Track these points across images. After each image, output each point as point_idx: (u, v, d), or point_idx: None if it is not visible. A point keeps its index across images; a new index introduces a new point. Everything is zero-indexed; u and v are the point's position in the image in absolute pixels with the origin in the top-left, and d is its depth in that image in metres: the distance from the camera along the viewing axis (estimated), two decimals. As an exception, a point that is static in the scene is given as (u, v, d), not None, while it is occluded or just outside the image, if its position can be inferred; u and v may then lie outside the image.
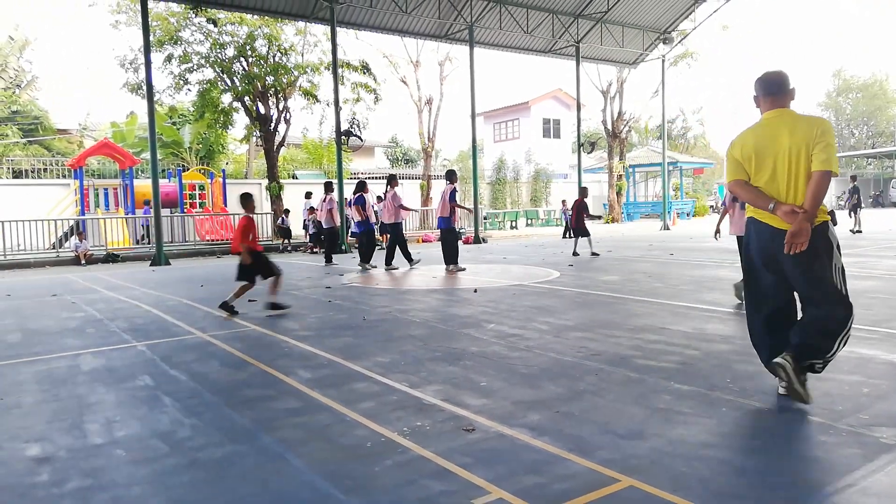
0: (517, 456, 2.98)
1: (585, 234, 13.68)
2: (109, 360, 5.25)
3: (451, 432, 3.32)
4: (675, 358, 4.67)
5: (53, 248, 18.49)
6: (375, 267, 12.43)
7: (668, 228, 24.69)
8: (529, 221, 32.69)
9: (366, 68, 23.30)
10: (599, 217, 14.33)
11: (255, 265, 7.29)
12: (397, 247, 12.30)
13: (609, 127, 32.39)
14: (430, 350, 5.22)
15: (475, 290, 8.65)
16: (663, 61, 26.94)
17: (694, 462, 2.85)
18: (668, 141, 29.58)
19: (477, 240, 21.11)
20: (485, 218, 28.33)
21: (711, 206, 41.43)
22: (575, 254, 13.72)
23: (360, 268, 12.36)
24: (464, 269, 11.26)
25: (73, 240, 18.36)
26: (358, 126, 21.82)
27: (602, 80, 31.54)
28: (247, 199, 7.64)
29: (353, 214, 13.18)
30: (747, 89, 3.63)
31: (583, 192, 14.63)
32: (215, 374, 4.70)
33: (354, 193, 12.97)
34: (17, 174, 26.11)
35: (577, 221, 13.77)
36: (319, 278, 11.19)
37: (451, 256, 11.19)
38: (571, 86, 30.37)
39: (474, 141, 22.01)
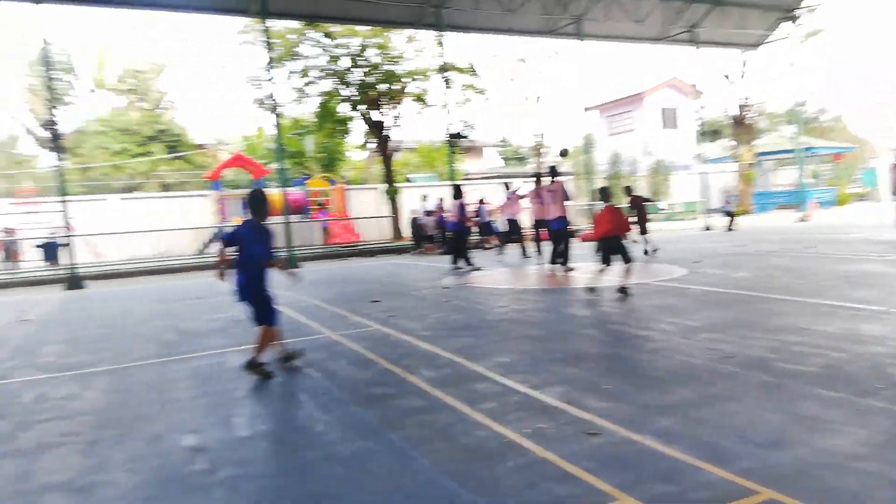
0: (646, 462, 2.90)
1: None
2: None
3: (574, 435, 3.29)
4: (818, 361, 4.33)
5: (199, 253, 20.18)
6: (462, 268, 12.45)
7: (806, 219, 22.86)
8: (649, 216, 31.51)
9: (473, 70, 23.49)
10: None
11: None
12: (564, 244, 11.35)
13: (734, 114, 30.51)
14: (550, 351, 5.18)
15: (592, 290, 8.47)
16: (789, 40, 24.95)
17: (843, 475, 2.64)
18: (800, 125, 27.33)
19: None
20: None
21: (859, 194, 37.66)
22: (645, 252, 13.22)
23: (455, 268, 12.52)
24: (572, 270, 10.99)
25: (215, 246, 19.97)
26: (467, 127, 22.04)
27: (722, 65, 29.78)
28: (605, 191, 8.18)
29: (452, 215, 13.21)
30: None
31: (627, 190, 14.51)
32: (343, 372, 4.94)
33: (455, 197, 13.02)
34: (164, 187, 28.74)
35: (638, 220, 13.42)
36: (437, 279, 11.42)
37: (563, 256, 10.97)
38: (688, 73, 28.93)
39: (586, 135, 21.53)
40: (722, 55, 29.02)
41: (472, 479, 2.86)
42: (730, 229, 19.09)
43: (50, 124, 14.93)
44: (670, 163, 36.30)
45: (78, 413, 4.26)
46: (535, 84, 32.53)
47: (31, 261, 19.45)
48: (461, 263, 12.55)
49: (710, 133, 23.30)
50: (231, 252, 4.99)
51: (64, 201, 14.91)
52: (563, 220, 11.06)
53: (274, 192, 20.53)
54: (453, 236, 13.44)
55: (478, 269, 12.51)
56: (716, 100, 34.23)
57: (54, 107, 15.10)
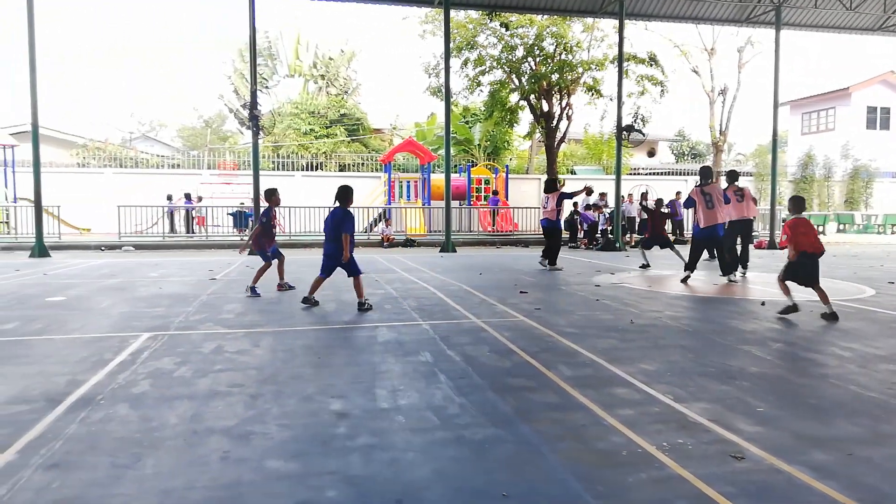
0: (793, 496, 2.64)
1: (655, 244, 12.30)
2: (400, 334, 5.95)
3: (716, 456, 3.08)
4: None
5: (365, 231, 21.50)
6: (547, 267, 11.95)
7: None
8: (842, 227, 28.21)
9: (653, 60, 22.41)
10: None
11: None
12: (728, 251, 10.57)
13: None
14: (702, 364, 4.87)
15: (763, 303, 7.79)
16: None
17: None
18: None
19: (772, 245, 18.93)
20: (783, 220, 25.22)
21: None
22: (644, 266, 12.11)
23: (543, 265, 12.10)
24: (689, 277, 9.95)
25: (381, 225, 21.15)
26: (641, 120, 21.12)
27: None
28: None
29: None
30: None
31: (658, 202, 13.24)
32: (484, 359, 5.03)
33: (546, 191, 12.38)
34: (342, 168, 30.87)
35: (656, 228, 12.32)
36: (590, 275, 11.16)
37: (729, 266, 10.09)
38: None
39: (775, 134, 19.70)
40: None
41: (599, 483, 2.79)
42: None
43: (251, 106, 16.61)
44: (875, 168, 32.11)
45: (245, 367, 4.76)
46: (720, 76, 30.35)
47: (223, 226, 21.95)
48: (545, 263, 12.10)
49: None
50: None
51: (256, 175, 16.60)
52: (718, 229, 9.91)
53: (438, 178, 21.23)
54: (545, 233, 12.53)
55: (646, 266, 12.05)
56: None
57: (256, 90, 16.77)
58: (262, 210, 9.40)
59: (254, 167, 16.73)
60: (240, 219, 21.33)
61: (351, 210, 7.40)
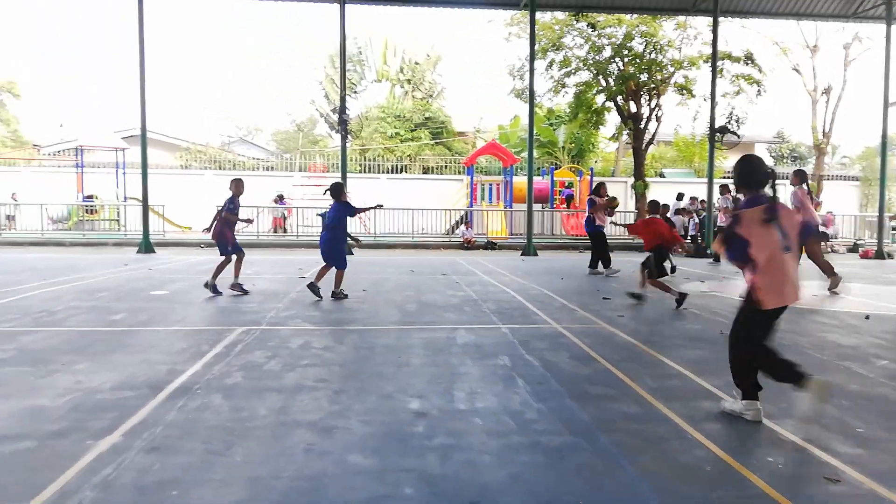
0: (895, 527, 2.47)
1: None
2: (478, 336, 5.98)
3: (808, 477, 2.92)
4: None
5: (446, 233, 21.71)
6: (606, 272, 11.54)
7: None
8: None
9: (749, 59, 21.36)
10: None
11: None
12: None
13: None
14: (797, 379, 4.61)
15: (867, 317, 7.28)
16: None
17: None
18: None
19: (880, 255, 17.63)
20: (894, 229, 23.39)
21: None
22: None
23: (602, 273, 11.69)
24: (841, 292, 9.30)
25: (462, 227, 21.29)
26: (736, 121, 20.17)
27: None
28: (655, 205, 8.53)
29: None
30: None
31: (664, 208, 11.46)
32: (563, 365, 4.97)
33: (594, 194, 12.06)
34: (425, 170, 31.31)
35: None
36: (678, 283, 10.78)
37: (828, 269, 9.45)
38: None
39: (884, 135, 18.34)
40: None
41: (679, 498, 2.71)
42: None
43: (340, 110, 17.16)
44: None
45: (330, 363, 4.93)
46: (824, 74, 28.59)
47: (312, 226, 22.76)
48: (599, 268, 11.74)
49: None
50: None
51: (343, 177, 17.13)
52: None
53: (521, 181, 21.11)
54: (591, 239, 12.26)
55: (609, 272, 11.54)
56: None
57: (345, 95, 17.31)
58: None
59: (342, 170, 17.27)
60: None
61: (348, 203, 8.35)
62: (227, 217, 8.45)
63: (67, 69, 65.67)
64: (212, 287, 8.45)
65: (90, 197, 23.50)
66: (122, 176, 24.48)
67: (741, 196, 3.88)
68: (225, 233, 8.49)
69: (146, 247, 16.44)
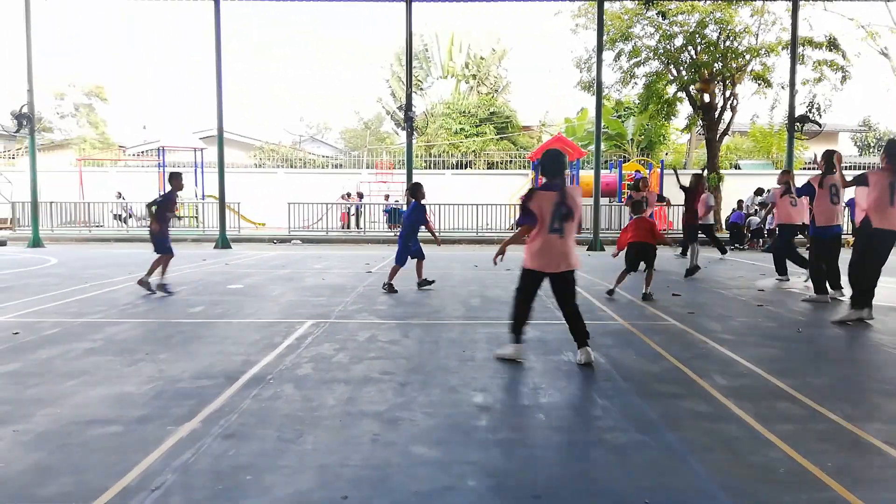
0: None
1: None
2: (543, 332, 5.95)
3: (891, 482, 2.77)
4: None
5: (512, 228, 21.61)
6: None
7: None
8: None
9: (832, 44, 20.21)
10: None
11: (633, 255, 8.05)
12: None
13: None
14: (879, 380, 4.37)
15: (963, 315, 6.79)
16: None
17: None
18: None
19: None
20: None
21: None
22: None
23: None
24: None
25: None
26: (817, 110, 19.15)
27: None
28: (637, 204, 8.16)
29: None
30: None
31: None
32: (630, 362, 4.89)
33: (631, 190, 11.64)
34: (489, 165, 31.26)
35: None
36: (753, 279, 10.37)
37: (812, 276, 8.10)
38: None
39: None
40: None
41: (750, 499, 2.64)
42: None
43: (406, 107, 17.36)
44: None
45: (396, 356, 5.03)
46: (916, 57, 26.72)
47: (378, 222, 23.18)
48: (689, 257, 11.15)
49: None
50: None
51: (409, 174, 17.33)
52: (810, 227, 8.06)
53: (587, 174, 20.77)
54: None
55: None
56: None
57: (411, 92, 17.50)
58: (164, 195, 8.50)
59: (407, 166, 17.47)
60: (394, 215, 22.38)
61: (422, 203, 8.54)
62: (159, 212, 8.18)
63: (149, 72, 69.19)
64: (158, 287, 8.07)
65: (171, 195, 24.71)
66: (200, 175, 25.60)
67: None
68: (156, 228, 8.20)
69: (223, 242, 17.15)
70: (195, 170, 25.72)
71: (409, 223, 8.50)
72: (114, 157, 33.53)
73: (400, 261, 8.52)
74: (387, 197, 24.78)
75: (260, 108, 69.72)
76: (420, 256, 8.75)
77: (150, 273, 8.20)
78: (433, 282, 8.99)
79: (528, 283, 4.87)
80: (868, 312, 6.43)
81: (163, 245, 8.24)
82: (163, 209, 8.23)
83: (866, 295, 6.40)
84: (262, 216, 25.50)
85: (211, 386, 4.18)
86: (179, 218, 22.71)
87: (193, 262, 12.62)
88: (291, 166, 30.57)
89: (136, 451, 3.10)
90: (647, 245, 7.89)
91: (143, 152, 33.20)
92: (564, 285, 4.83)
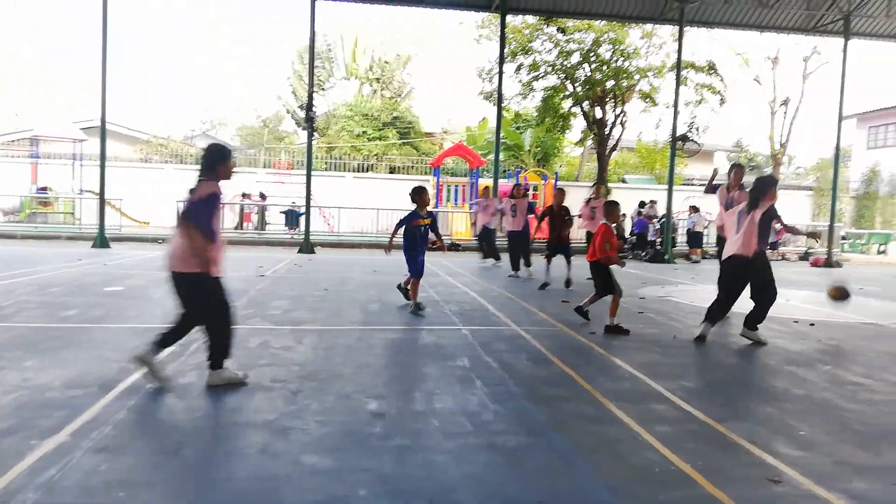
0: (831, 526, 2.57)
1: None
2: (439, 338, 6.00)
3: (752, 479, 3.02)
4: None
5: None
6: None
7: None
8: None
9: (712, 68, 21.89)
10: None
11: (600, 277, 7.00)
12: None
13: None
14: (745, 383, 4.76)
15: (812, 324, 7.53)
16: None
17: None
18: None
19: (829, 263, 18.24)
20: (843, 238, 24.21)
21: None
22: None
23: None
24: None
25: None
26: (696, 130, 20.65)
27: None
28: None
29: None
30: None
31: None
32: (521, 367, 5.03)
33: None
34: (391, 170, 31.20)
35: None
36: (635, 287, 10.99)
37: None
38: None
39: (838, 147, 19.02)
40: None
41: (631, 498, 2.78)
42: None
43: (307, 107, 16.98)
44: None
45: (288, 363, 4.89)
46: (783, 86, 29.44)
47: (276, 224, 22.49)
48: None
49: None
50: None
51: (309, 175, 16.96)
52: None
53: (486, 183, 21.23)
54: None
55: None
56: None
57: (313, 92, 17.14)
58: None
59: (307, 167, 17.09)
60: (291, 217, 21.81)
61: (414, 210, 7.81)
62: None
63: (25, 54, 63.53)
64: None
65: (44, 189, 22.78)
66: (78, 168, 23.78)
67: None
68: None
69: (101, 241, 16.02)
70: (73, 162, 23.86)
71: (407, 232, 7.73)
72: (-23, 144, 30.44)
73: (416, 273, 7.60)
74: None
75: (150, 99, 65.85)
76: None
77: None
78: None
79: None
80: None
81: None
82: None
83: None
84: (148, 214, 24.04)
85: (83, 395, 3.88)
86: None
87: (67, 262, 11.69)
88: (182, 162, 29.05)
89: (-8, 469, 2.82)
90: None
91: (13, 141, 30.38)
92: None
